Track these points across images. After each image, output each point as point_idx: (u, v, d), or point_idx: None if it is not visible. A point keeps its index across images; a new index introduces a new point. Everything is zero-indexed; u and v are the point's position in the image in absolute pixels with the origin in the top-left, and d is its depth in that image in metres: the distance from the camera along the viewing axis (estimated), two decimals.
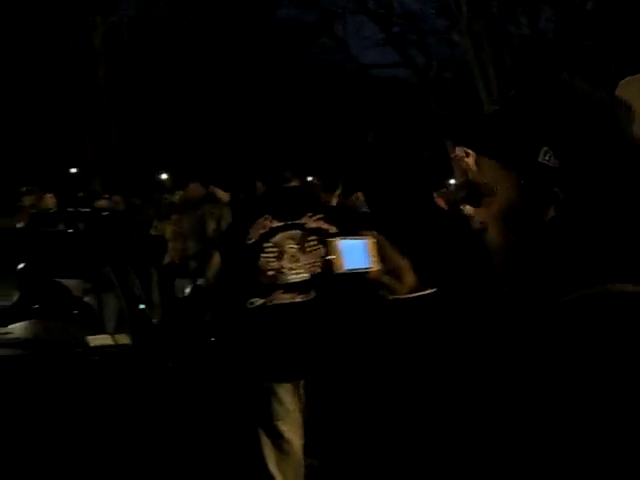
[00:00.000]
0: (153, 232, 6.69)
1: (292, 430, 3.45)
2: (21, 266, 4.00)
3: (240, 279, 3.55)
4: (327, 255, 1.18)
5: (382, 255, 1.18)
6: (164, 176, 25.81)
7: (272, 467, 3.44)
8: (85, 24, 23.75)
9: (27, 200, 7.66)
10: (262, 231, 3.53)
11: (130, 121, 23.56)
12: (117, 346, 3.25)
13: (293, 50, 26.09)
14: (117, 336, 3.36)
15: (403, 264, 1.19)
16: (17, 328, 3.34)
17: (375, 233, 1.21)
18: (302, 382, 3.47)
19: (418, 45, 24.74)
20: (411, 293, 1.16)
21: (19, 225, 6.70)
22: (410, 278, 1.18)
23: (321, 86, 25.09)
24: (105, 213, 9.46)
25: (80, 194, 11.49)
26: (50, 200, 8.54)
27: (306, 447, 3.49)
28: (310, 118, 23.21)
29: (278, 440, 3.45)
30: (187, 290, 5.78)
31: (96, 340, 3.30)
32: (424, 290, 1.17)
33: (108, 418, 2.67)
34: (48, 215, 7.62)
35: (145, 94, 25.40)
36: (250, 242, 3.51)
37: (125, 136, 22.90)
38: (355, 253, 1.17)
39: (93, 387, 2.89)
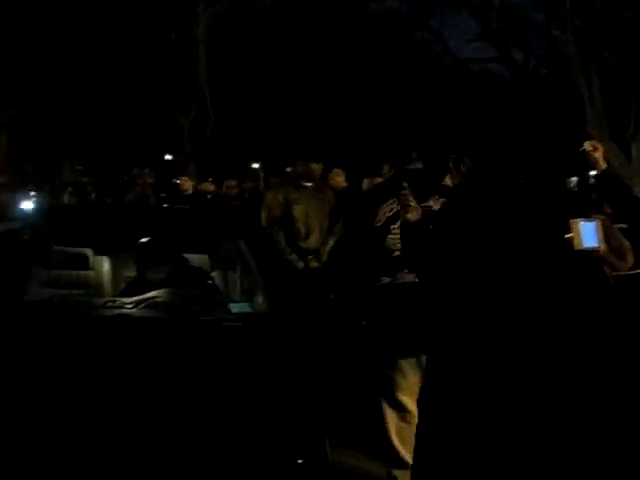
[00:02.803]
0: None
1: (413, 402, 3.62)
2: (144, 240, 4.23)
3: (368, 259, 3.74)
4: (567, 234, 1.37)
5: (608, 236, 1.36)
6: (255, 165, 26.31)
7: (393, 436, 3.61)
8: (188, 15, 24.36)
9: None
10: (389, 214, 3.71)
11: (227, 111, 24.01)
12: (255, 314, 3.45)
13: (388, 43, 26.09)
14: (255, 304, 3.56)
15: (626, 245, 1.36)
16: (161, 293, 3.53)
17: (603, 216, 1.39)
18: (424, 357, 3.62)
19: (516, 40, 24.38)
20: (632, 270, 1.32)
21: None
22: (631, 258, 1.34)
23: (419, 79, 25.06)
24: (209, 196, 9.82)
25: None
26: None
27: None
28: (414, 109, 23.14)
29: (400, 411, 3.62)
30: (300, 264, 6.05)
31: (236, 307, 3.52)
32: None
33: (245, 383, 2.72)
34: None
35: (243, 84, 25.85)
36: (378, 224, 3.70)
37: (221, 126, 23.36)
38: (589, 233, 1.37)
39: (235, 352, 3.03)
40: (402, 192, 3.66)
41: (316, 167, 6.63)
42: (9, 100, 20.84)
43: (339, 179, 8.16)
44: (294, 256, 6.18)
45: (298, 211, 6.34)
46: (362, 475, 3.93)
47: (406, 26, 26.62)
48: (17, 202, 9.63)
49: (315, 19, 27.74)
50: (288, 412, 2.52)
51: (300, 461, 2.32)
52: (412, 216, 3.61)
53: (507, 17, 24.03)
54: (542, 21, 22.83)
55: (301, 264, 6.12)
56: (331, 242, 6.19)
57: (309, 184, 6.51)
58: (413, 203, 3.64)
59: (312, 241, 6.33)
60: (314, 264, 6.14)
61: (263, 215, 6.45)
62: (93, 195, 11.42)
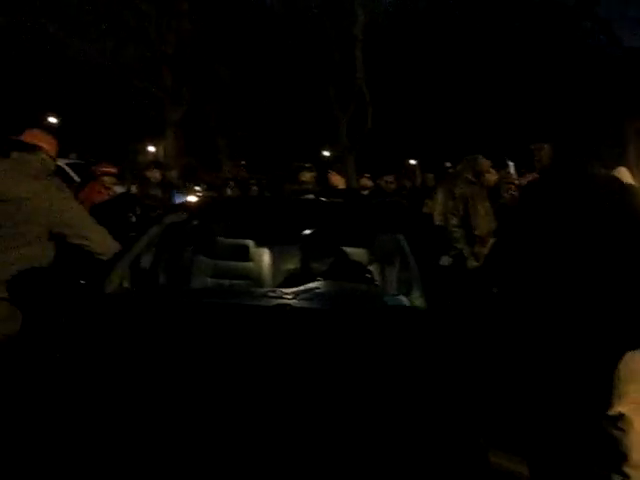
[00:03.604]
0: (424, 209, 6.87)
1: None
2: (306, 232, 4.28)
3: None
4: None
5: None
6: (412, 161, 26.14)
7: None
8: (345, 14, 24.65)
9: (304, 176, 8.32)
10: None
11: (385, 106, 24.06)
12: (413, 307, 3.41)
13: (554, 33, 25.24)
14: (413, 298, 3.52)
15: None
16: (320, 285, 3.56)
17: None
18: None
19: None
20: None
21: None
22: None
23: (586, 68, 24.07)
24: (365, 192, 9.85)
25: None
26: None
27: None
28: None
29: None
30: (445, 260, 5.95)
31: (394, 300, 3.49)
32: None
33: (402, 378, 2.66)
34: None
35: (400, 80, 25.83)
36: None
37: (379, 121, 23.44)
38: None
39: (392, 346, 3.00)
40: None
41: (486, 162, 6.54)
42: (180, 98, 21.95)
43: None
44: (467, 250, 6.11)
45: (473, 208, 6.27)
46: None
47: (572, 16, 25.63)
48: (183, 195, 10.14)
49: (473, 12, 27.25)
50: (447, 410, 2.46)
51: (460, 463, 2.25)
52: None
53: None
54: None
55: (474, 262, 6.03)
56: (490, 242, 6.06)
57: (475, 179, 6.41)
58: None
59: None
60: (473, 264, 6.02)
61: (437, 209, 6.42)
62: (254, 189, 11.77)
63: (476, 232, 6.17)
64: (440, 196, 6.49)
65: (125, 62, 22.11)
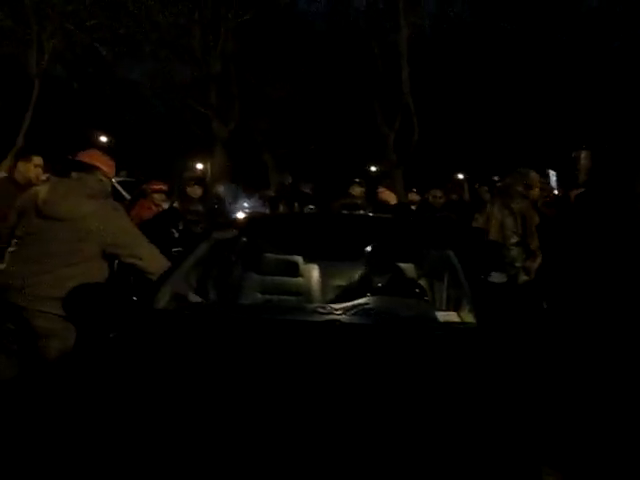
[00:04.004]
0: (474, 224, 6.78)
1: None
2: (369, 248, 4.28)
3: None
4: None
5: None
6: (460, 175, 25.98)
7: None
8: (389, 27, 24.67)
9: (354, 190, 8.42)
10: None
11: (431, 120, 23.97)
12: (463, 323, 3.38)
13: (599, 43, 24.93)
14: (463, 314, 3.49)
15: None
16: (370, 301, 3.55)
17: None
18: None
19: None
20: None
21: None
22: None
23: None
24: (413, 207, 9.83)
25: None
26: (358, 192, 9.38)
27: None
28: None
29: None
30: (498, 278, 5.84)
31: (444, 316, 3.46)
32: None
33: (454, 395, 2.63)
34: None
35: (446, 93, 25.75)
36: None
37: (426, 135, 23.33)
38: None
39: (439, 360, 2.97)
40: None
41: (536, 176, 6.45)
42: (227, 116, 22.18)
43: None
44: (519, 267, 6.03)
45: (529, 223, 6.19)
46: None
47: (617, 25, 25.30)
48: (233, 212, 10.24)
49: (516, 23, 27.06)
50: (502, 428, 2.41)
51: None
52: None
53: None
54: None
55: (524, 277, 5.94)
56: (540, 258, 5.96)
57: (526, 193, 6.32)
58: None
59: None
60: (523, 278, 5.93)
61: (495, 226, 6.33)
62: (296, 205, 11.85)
63: (532, 247, 6.07)
64: (496, 211, 6.37)
65: (172, 81, 22.45)
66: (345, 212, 7.43)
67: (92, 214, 4.37)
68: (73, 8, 18.77)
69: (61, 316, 4.13)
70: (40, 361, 4.26)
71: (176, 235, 6.83)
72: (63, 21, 18.94)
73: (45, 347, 4.26)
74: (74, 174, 4.53)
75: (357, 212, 7.52)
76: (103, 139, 26.19)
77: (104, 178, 4.64)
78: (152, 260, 4.47)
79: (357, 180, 9.07)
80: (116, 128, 29.79)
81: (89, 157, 4.64)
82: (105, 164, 4.67)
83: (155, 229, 6.17)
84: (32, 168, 5.15)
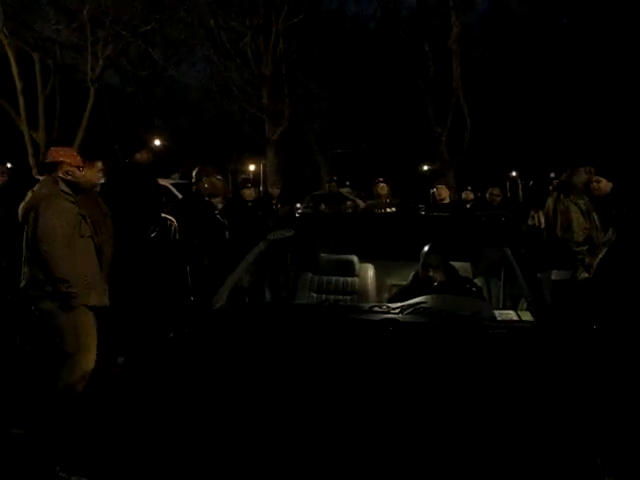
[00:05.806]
0: (530, 222, 6.69)
1: None
2: (425, 249, 4.25)
3: None
4: None
5: None
6: (513, 173, 25.73)
7: None
8: (440, 26, 24.54)
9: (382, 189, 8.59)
10: None
11: (484, 118, 23.75)
12: (521, 322, 3.34)
13: None
14: (521, 312, 3.45)
15: None
16: (426, 299, 3.53)
17: None
18: None
19: None
20: None
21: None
22: None
23: None
24: (467, 205, 9.75)
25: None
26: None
27: None
28: None
29: None
30: (561, 275, 5.74)
31: (502, 315, 3.43)
32: None
33: (514, 393, 2.59)
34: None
35: (498, 91, 25.46)
36: None
37: (478, 133, 23.13)
38: None
39: (499, 359, 2.94)
40: None
41: (582, 173, 6.29)
42: (279, 118, 22.30)
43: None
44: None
45: (592, 220, 6.08)
46: None
47: None
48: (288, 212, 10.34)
49: (571, 19, 26.61)
50: (564, 428, 2.37)
51: None
52: None
53: None
54: None
55: (584, 274, 5.82)
56: (601, 254, 5.82)
57: (585, 189, 6.20)
58: None
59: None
60: (584, 275, 5.81)
61: (562, 221, 6.21)
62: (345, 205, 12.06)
63: (597, 243, 5.94)
64: (562, 208, 6.24)
65: (225, 84, 22.66)
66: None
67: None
68: (128, 16, 19.13)
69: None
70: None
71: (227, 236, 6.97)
72: (117, 29, 19.30)
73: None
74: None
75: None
76: (156, 142, 26.61)
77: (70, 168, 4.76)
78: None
79: (381, 179, 9.07)
80: (169, 131, 30.24)
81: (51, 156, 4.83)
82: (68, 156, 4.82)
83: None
84: (96, 173, 5.29)
